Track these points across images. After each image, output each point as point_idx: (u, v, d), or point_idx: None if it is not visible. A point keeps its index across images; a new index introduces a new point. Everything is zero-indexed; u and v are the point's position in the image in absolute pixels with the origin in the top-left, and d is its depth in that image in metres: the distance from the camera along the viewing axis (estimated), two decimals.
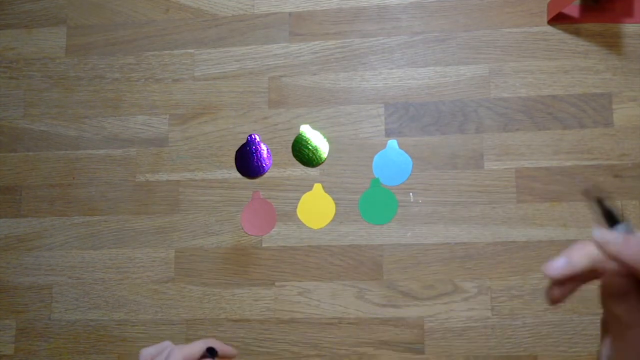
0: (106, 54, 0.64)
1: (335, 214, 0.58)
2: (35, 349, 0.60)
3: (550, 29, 0.59)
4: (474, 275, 0.56)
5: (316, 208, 0.58)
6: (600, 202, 0.33)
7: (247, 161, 0.60)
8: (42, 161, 0.63)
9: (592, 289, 0.56)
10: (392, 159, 0.57)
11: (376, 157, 0.58)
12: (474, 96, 0.58)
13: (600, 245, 0.31)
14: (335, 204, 0.58)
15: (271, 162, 0.60)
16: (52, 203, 0.62)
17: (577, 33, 0.58)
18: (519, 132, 0.57)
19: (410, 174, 0.57)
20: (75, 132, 0.63)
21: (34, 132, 0.64)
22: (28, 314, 0.61)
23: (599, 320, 0.54)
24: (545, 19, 0.59)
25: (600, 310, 0.53)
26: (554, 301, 0.32)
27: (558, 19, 0.58)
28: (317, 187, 0.58)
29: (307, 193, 0.59)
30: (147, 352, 0.44)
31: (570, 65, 0.58)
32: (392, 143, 0.58)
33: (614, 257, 0.31)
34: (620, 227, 0.32)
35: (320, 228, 0.58)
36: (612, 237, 0.31)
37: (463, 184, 0.57)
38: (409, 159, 0.57)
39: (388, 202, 0.57)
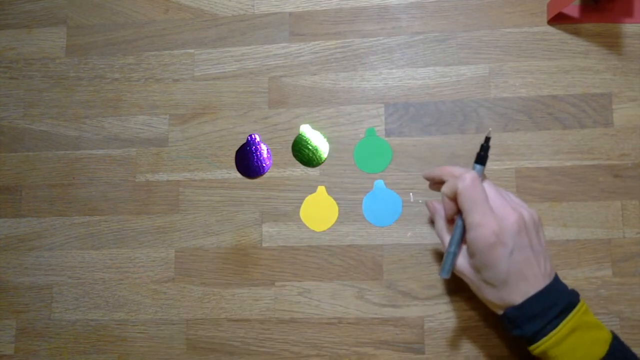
0: (106, 54, 0.64)
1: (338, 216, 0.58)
2: (35, 349, 0.60)
3: (550, 29, 0.59)
4: None
5: (319, 211, 0.58)
6: (483, 146, 0.47)
7: (247, 161, 0.60)
8: (42, 161, 0.63)
9: (592, 289, 0.57)
10: (381, 199, 0.57)
11: (365, 199, 0.58)
12: (474, 96, 0.58)
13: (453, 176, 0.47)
14: (338, 205, 0.58)
15: (271, 162, 0.60)
16: (52, 203, 0.62)
17: (577, 33, 0.58)
18: (519, 132, 0.57)
19: (402, 213, 0.57)
20: (75, 132, 0.63)
21: (34, 132, 0.64)
22: (28, 314, 0.61)
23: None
24: (545, 19, 0.59)
25: (600, 311, 0.54)
26: (432, 188, 0.52)
27: (558, 19, 0.58)
28: (321, 189, 0.58)
29: (310, 195, 0.59)
30: None
31: (570, 65, 0.58)
32: (379, 183, 0.58)
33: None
34: (477, 168, 0.47)
35: (323, 231, 0.58)
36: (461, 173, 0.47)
37: None
38: (398, 197, 0.57)
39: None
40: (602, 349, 0.43)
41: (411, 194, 0.57)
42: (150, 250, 0.60)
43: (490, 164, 0.57)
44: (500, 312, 0.46)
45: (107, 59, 0.64)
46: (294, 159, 0.60)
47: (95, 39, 0.64)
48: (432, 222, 0.56)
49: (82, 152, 0.63)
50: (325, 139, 0.59)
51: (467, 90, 0.58)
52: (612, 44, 0.58)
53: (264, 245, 0.59)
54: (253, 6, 0.63)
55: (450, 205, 0.47)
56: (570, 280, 0.54)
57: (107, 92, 0.63)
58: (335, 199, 0.58)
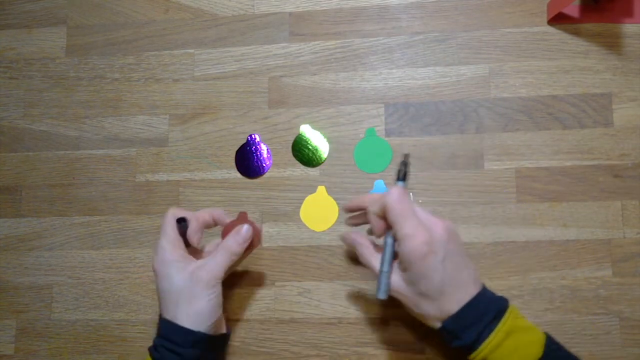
0: (106, 54, 0.64)
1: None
2: (35, 349, 0.60)
3: (550, 29, 0.59)
4: None
5: (319, 211, 0.58)
6: (403, 163, 0.48)
7: (247, 161, 0.60)
8: (42, 161, 0.63)
9: (592, 289, 0.56)
10: None
11: None
12: (474, 96, 0.58)
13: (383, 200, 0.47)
14: (338, 205, 0.58)
15: (271, 162, 0.60)
16: (52, 203, 0.62)
17: (577, 33, 0.58)
18: (519, 132, 0.57)
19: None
20: (75, 132, 0.63)
21: (34, 132, 0.64)
22: (28, 314, 0.61)
23: (599, 320, 0.54)
24: (545, 19, 0.59)
25: (600, 311, 0.54)
26: (351, 224, 0.53)
27: (558, 19, 0.58)
28: (321, 189, 0.58)
29: (310, 195, 0.58)
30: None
31: (570, 65, 0.58)
32: (379, 183, 0.58)
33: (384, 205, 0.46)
34: (399, 184, 0.48)
35: (323, 231, 0.58)
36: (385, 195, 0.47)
37: (463, 184, 0.57)
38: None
39: None
40: (539, 349, 0.44)
41: (411, 194, 0.57)
42: (150, 250, 0.60)
43: (490, 164, 0.57)
44: (439, 324, 0.46)
45: (107, 59, 0.64)
46: (294, 159, 0.60)
47: (95, 39, 0.64)
48: (350, 253, 0.56)
49: (82, 152, 0.63)
50: (325, 139, 0.59)
51: (467, 90, 0.58)
52: (612, 44, 0.58)
53: (264, 245, 0.59)
54: (253, 6, 0.63)
55: (380, 224, 0.47)
56: (570, 280, 0.55)
57: (107, 92, 0.63)
58: (335, 199, 0.58)
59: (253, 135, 0.60)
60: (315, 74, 0.61)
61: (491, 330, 0.43)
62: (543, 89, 0.58)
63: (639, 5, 0.58)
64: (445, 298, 0.44)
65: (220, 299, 0.49)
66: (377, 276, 0.47)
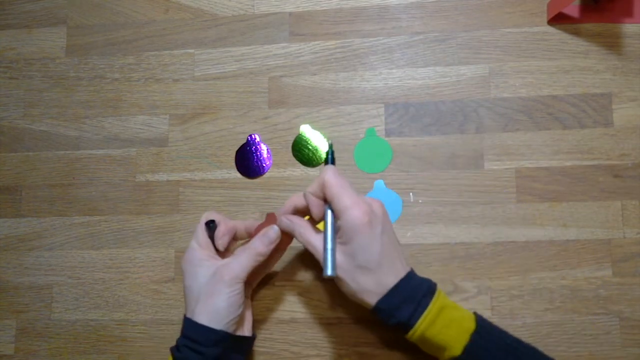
0: (106, 54, 0.64)
1: None
2: (35, 349, 0.60)
3: (550, 29, 0.59)
4: (474, 275, 0.56)
5: None
6: (328, 151, 0.51)
7: (247, 161, 0.60)
8: (42, 161, 0.63)
9: (592, 289, 0.56)
10: (381, 199, 0.57)
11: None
12: (474, 96, 0.58)
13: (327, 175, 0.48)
14: None
15: (271, 162, 0.60)
16: (52, 203, 0.62)
17: (577, 33, 0.58)
18: (519, 132, 0.57)
19: (402, 213, 0.57)
20: (75, 132, 0.63)
21: (34, 132, 0.64)
22: (28, 314, 0.61)
23: (599, 320, 0.54)
24: (545, 19, 0.59)
25: (600, 311, 0.54)
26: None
27: (558, 19, 0.58)
28: None
29: None
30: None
31: (570, 65, 0.58)
32: (379, 183, 0.58)
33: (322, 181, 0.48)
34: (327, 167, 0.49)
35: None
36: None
37: (463, 184, 0.57)
38: (398, 197, 0.57)
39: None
40: (471, 323, 0.46)
41: (411, 194, 0.57)
42: (150, 250, 0.60)
43: (490, 164, 0.57)
44: (374, 301, 0.46)
45: (107, 59, 0.64)
46: (294, 159, 0.60)
47: (95, 39, 0.64)
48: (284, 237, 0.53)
49: (82, 152, 0.63)
50: (325, 139, 0.59)
51: (467, 90, 0.58)
52: (612, 44, 0.58)
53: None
54: (253, 6, 0.63)
55: (318, 203, 0.49)
56: (570, 280, 0.55)
57: (107, 92, 0.63)
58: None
59: (253, 135, 0.60)
60: (315, 74, 0.61)
61: (426, 306, 0.45)
62: (543, 89, 0.58)
63: (639, 5, 0.58)
64: (382, 271, 0.46)
65: (239, 298, 0.50)
66: (319, 255, 0.48)
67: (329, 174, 0.48)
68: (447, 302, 0.47)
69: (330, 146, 0.52)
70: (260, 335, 0.57)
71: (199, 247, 0.52)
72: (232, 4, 0.63)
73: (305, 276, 0.58)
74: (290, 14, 0.62)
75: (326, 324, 0.57)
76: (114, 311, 0.59)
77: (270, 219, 0.53)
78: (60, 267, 0.61)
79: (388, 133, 0.59)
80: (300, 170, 0.59)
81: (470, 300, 0.55)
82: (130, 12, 0.64)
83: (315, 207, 0.49)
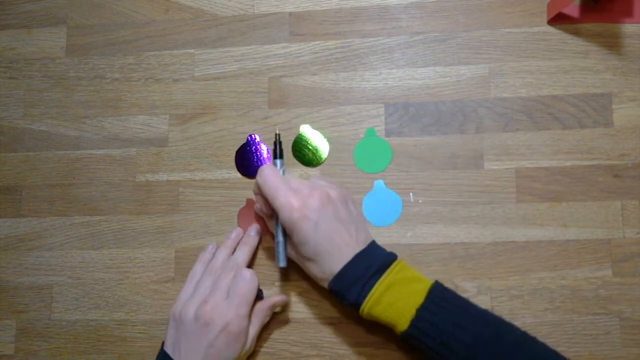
0: (106, 54, 0.64)
1: None
2: (35, 349, 0.60)
3: (550, 29, 0.59)
4: (474, 275, 0.56)
5: None
6: (276, 142, 0.54)
7: (247, 161, 0.60)
8: (42, 161, 0.63)
9: (592, 289, 0.56)
10: (381, 199, 0.57)
11: (365, 199, 0.57)
12: (474, 96, 0.58)
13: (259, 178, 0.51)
14: None
15: (271, 162, 0.60)
16: (52, 203, 0.62)
17: (577, 33, 0.58)
18: (519, 132, 0.57)
19: (402, 213, 0.57)
20: (75, 132, 0.63)
21: (34, 132, 0.64)
22: (28, 314, 0.61)
23: (599, 320, 0.54)
24: (545, 19, 0.59)
25: (600, 311, 0.54)
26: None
27: (558, 19, 0.58)
28: None
29: None
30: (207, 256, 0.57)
31: (570, 65, 0.58)
32: (379, 183, 0.58)
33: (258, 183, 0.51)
34: (277, 162, 0.54)
35: None
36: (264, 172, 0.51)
37: (463, 184, 0.57)
38: (398, 197, 0.57)
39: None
40: (420, 297, 0.46)
41: (411, 194, 0.57)
42: (150, 250, 0.60)
43: (490, 164, 0.57)
44: (326, 285, 0.49)
45: (107, 59, 0.64)
46: (294, 159, 0.60)
47: (95, 39, 0.64)
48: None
49: (82, 152, 0.63)
50: (325, 139, 0.59)
51: (467, 90, 0.58)
52: (612, 44, 0.58)
53: (264, 245, 0.58)
54: (253, 6, 0.63)
55: (263, 201, 0.52)
56: (570, 280, 0.55)
57: (107, 92, 0.63)
58: None
59: (253, 135, 0.60)
60: (315, 74, 0.61)
61: (372, 286, 0.46)
62: (543, 89, 0.58)
63: (639, 5, 0.58)
64: (324, 259, 0.48)
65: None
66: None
67: (262, 174, 0.50)
68: (401, 276, 0.47)
69: (277, 137, 0.54)
70: (260, 335, 0.57)
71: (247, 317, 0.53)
72: (232, 4, 0.63)
73: (305, 276, 0.58)
74: (290, 14, 0.62)
75: (326, 324, 0.57)
76: (114, 311, 0.59)
77: (250, 203, 0.58)
78: (60, 267, 0.61)
79: (388, 133, 0.59)
80: (300, 170, 0.59)
81: (471, 300, 0.55)
82: (130, 12, 0.64)
83: (261, 205, 0.52)
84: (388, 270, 0.47)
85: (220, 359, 0.50)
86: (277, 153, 0.54)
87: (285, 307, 0.57)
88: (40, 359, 0.60)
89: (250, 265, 0.58)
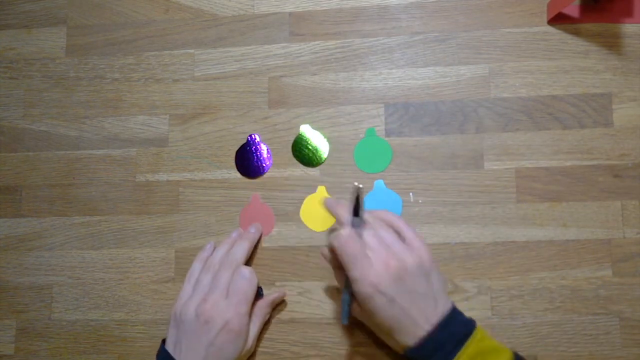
0: (106, 54, 0.64)
1: None
2: (35, 349, 0.60)
3: (550, 29, 0.59)
4: (474, 275, 0.56)
5: (319, 210, 0.58)
6: (356, 197, 0.48)
7: (247, 161, 0.60)
8: (42, 161, 0.63)
9: (592, 289, 0.56)
10: (381, 199, 0.57)
11: (366, 199, 0.57)
12: (474, 96, 0.58)
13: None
14: None
15: (271, 162, 0.60)
16: (52, 203, 0.62)
17: (577, 33, 0.58)
18: (519, 132, 0.57)
19: (402, 213, 0.57)
20: (75, 132, 0.63)
21: (34, 132, 0.64)
22: (28, 314, 0.61)
23: (599, 320, 0.54)
24: (545, 19, 0.59)
25: (600, 311, 0.54)
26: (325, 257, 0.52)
27: (558, 19, 0.58)
28: (321, 189, 0.58)
29: (311, 195, 0.58)
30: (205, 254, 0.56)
31: (570, 65, 0.58)
32: (379, 183, 0.58)
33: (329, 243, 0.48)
34: (354, 220, 0.48)
35: (323, 231, 0.58)
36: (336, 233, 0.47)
37: (463, 184, 0.57)
38: (398, 197, 0.57)
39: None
40: None
41: (411, 194, 0.57)
42: (150, 250, 0.60)
43: (490, 164, 0.57)
44: (400, 351, 0.48)
45: (107, 59, 0.64)
46: (294, 159, 0.60)
47: (95, 39, 0.64)
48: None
49: (82, 152, 0.63)
50: (325, 139, 0.59)
51: (467, 90, 0.58)
52: (612, 44, 0.58)
53: (264, 245, 0.59)
54: (253, 6, 0.63)
55: (333, 254, 0.49)
56: (570, 280, 0.55)
57: (107, 92, 0.63)
58: (336, 199, 0.58)
59: (253, 135, 0.60)
60: (315, 74, 0.61)
61: (452, 358, 0.44)
62: (543, 89, 0.58)
63: (639, 5, 0.58)
64: (398, 334, 0.46)
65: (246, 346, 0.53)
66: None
67: (341, 241, 0.47)
68: (481, 346, 0.45)
69: (358, 191, 0.48)
70: (260, 335, 0.57)
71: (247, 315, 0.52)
72: (232, 4, 0.63)
73: (305, 276, 0.58)
74: (290, 14, 0.62)
75: (326, 324, 0.57)
76: (114, 311, 0.59)
77: (253, 202, 0.57)
78: (60, 267, 0.61)
79: (388, 133, 0.59)
80: (300, 170, 0.59)
81: (470, 300, 0.55)
82: (130, 12, 0.64)
83: (330, 256, 0.51)
84: (469, 341, 0.45)
85: (221, 357, 0.50)
86: (358, 210, 0.49)
87: (285, 307, 0.57)
88: (40, 359, 0.60)
89: (248, 262, 0.58)
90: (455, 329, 0.46)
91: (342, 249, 0.47)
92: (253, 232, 0.57)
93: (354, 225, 0.48)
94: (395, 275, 0.45)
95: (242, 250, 0.55)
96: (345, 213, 0.50)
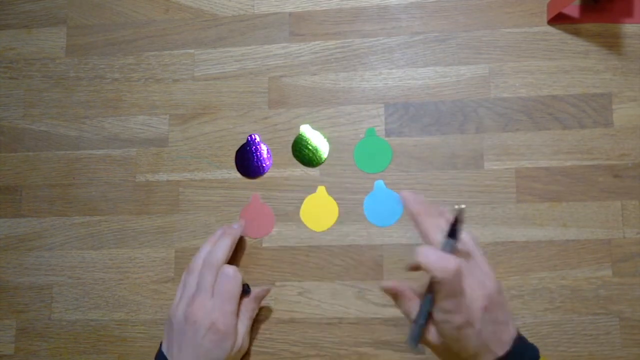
0: (106, 54, 0.64)
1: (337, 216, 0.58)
2: (35, 349, 0.60)
3: (550, 29, 0.59)
4: None
5: (319, 210, 0.58)
6: (455, 220, 0.44)
7: (247, 161, 0.60)
8: (42, 161, 0.63)
9: (592, 289, 0.56)
10: (382, 199, 0.57)
11: (366, 200, 0.57)
12: (474, 96, 0.58)
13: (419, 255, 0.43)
14: (338, 205, 0.58)
15: (271, 162, 0.60)
16: (52, 203, 0.62)
17: (577, 33, 0.58)
18: (519, 132, 0.57)
19: (402, 213, 0.57)
20: (75, 132, 0.63)
21: (34, 132, 0.64)
22: (28, 314, 0.61)
23: (599, 320, 0.54)
24: (545, 19, 0.59)
25: (600, 311, 0.54)
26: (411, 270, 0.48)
27: (558, 19, 0.58)
28: (321, 189, 0.58)
29: (311, 195, 0.58)
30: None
31: (570, 65, 0.58)
32: (379, 184, 0.58)
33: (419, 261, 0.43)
34: (446, 242, 0.44)
35: (324, 231, 0.58)
36: (427, 251, 0.43)
37: (463, 184, 0.57)
38: (399, 198, 0.57)
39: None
40: None
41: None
42: (150, 250, 0.60)
43: (490, 164, 0.57)
44: None
45: (107, 59, 0.64)
46: (294, 159, 0.60)
47: (95, 39, 0.64)
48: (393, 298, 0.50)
49: (82, 152, 0.63)
50: (325, 139, 0.59)
51: (467, 90, 0.58)
52: (612, 44, 0.58)
53: (264, 245, 0.59)
54: (253, 6, 0.63)
55: (414, 299, 0.46)
56: (570, 280, 0.55)
57: (107, 92, 0.63)
58: (335, 199, 0.58)
59: (253, 135, 0.60)
60: (315, 74, 0.61)
61: None
62: (543, 89, 0.58)
63: (639, 5, 0.58)
64: (476, 359, 0.44)
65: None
66: (411, 322, 0.45)
67: (449, 275, 0.42)
68: None
69: (459, 212, 0.44)
70: (260, 335, 0.57)
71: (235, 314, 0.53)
72: (232, 4, 0.63)
73: (305, 276, 0.58)
74: (290, 14, 0.62)
75: (326, 324, 0.57)
76: (114, 311, 0.59)
77: (255, 200, 0.58)
78: (60, 267, 0.61)
79: (388, 133, 0.59)
80: (300, 170, 0.59)
81: None
82: (130, 12, 0.64)
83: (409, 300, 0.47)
84: None
85: (211, 357, 0.50)
86: (455, 233, 0.44)
87: (285, 307, 0.57)
88: (40, 359, 0.60)
89: (232, 262, 0.58)
90: (524, 353, 0.44)
91: (447, 284, 0.42)
92: (235, 227, 0.57)
93: (444, 249, 0.44)
94: (483, 307, 0.43)
95: (223, 248, 0.54)
96: (436, 231, 0.45)
